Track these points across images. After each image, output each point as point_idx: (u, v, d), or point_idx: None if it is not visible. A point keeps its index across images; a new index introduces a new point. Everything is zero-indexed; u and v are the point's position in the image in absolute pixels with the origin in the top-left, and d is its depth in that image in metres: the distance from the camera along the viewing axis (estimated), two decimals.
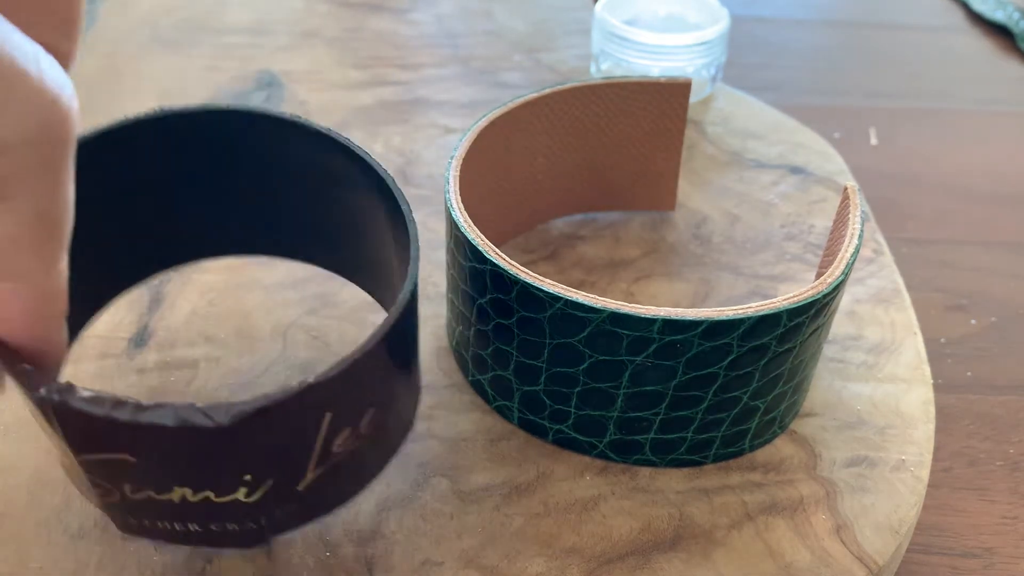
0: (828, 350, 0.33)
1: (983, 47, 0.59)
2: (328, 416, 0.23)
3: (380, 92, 0.47)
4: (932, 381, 0.32)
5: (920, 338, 0.34)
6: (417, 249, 0.25)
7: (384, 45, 0.51)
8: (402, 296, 0.24)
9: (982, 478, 0.32)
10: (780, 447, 0.29)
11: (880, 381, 0.32)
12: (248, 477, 0.22)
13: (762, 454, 0.29)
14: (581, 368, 0.27)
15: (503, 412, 0.30)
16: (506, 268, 0.26)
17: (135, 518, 0.24)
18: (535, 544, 0.26)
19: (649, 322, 0.25)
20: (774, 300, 0.25)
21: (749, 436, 0.28)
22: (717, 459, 0.29)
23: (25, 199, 0.17)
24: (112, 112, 0.45)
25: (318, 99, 0.46)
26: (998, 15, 0.60)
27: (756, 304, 0.25)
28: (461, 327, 0.30)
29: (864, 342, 0.33)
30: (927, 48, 0.59)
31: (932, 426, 0.30)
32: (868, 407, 0.31)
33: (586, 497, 0.28)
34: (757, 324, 0.25)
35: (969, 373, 0.36)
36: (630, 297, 0.35)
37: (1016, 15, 0.60)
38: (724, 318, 0.25)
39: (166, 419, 0.20)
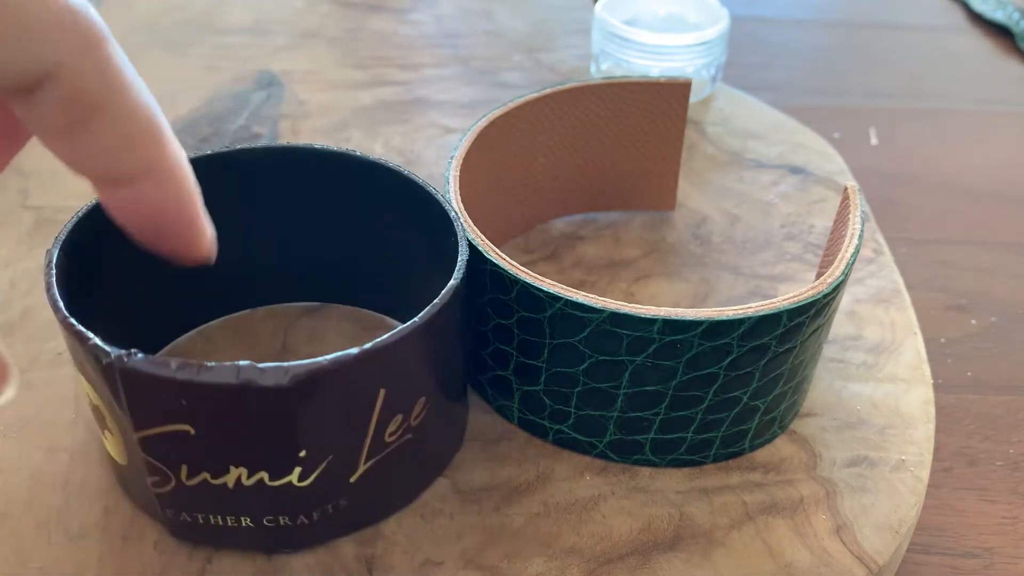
0: (828, 350, 0.33)
1: (983, 47, 0.59)
2: (383, 393, 0.23)
3: (380, 92, 0.46)
4: (932, 381, 0.32)
5: (920, 338, 0.34)
6: (466, 243, 0.26)
7: (384, 45, 0.51)
8: (453, 281, 0.25)
9: (982, 478, 0.32)
10: (780, 447, 0.29)
11: (880, 381, 0.32)
12: (303, 454, 0.23)
13: (762, 454, 0.29)
14: (581, 368, 0.27)
15: (503, 412, 0.30)
16: (506, 268, 0.26)
17: (188, 513, 0.24)
18: (535, 544, 0.26)
19: (649, 322, 0.25)
20: (774, 300, 0.25)
21: (749, 436, 0.28)
22: (717, 459, 0.29)
23: (109, 106, 0.18)
24: None
25: (318, 99, 0.46)
26: (998, 15, 0.60)
27: (756, 304, 0.25)
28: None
29: (864, 342, 0.33)
30: (927, 48, 0.59)
31: (932, 426, 0.30)
32: (868, 407, 0.31)
33: (586, 497, 0.28)
34: (757, 324, 0.25)
35: (969, 373, 0.36)
36: (630, 297, 0.35)
37: (1016, 15, 0.60)
38: (724, 318, 0.25)
39: (229, 377, 0.21)
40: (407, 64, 0.49)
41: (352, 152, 0.29)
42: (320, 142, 0.43)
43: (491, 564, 0.26)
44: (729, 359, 0.26)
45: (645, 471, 0.29)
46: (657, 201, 0.39)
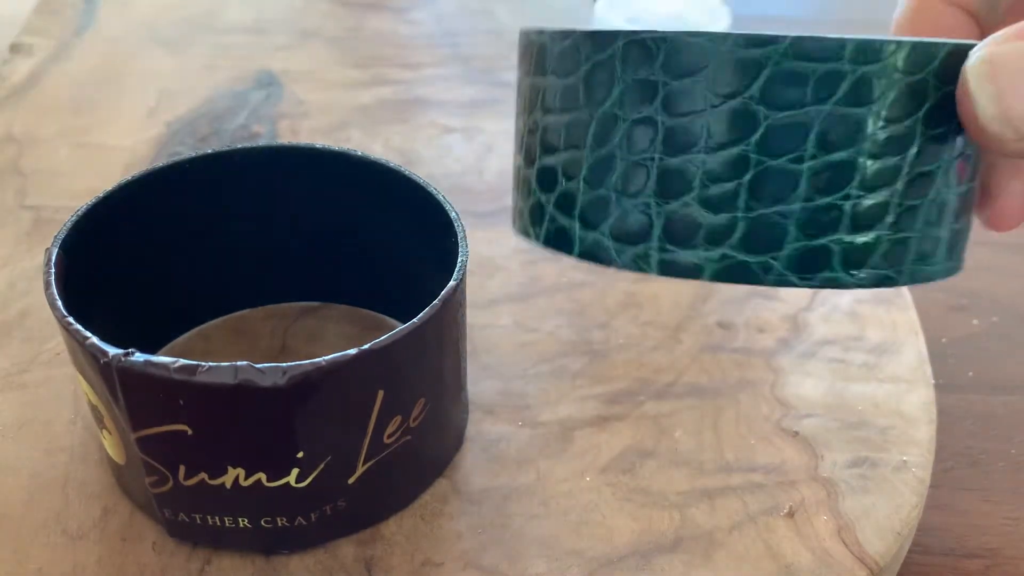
0: (829, 351, 0.33)
1: None
2: (381, 394, 0.23)
3: (380, 92, 0.46)
4: (933, 381, 0.32)
5: (922, 338, 0.33)
6: (466, 243, 0.26)
7: (384, 45, 0.51)
8: (453, 281, 0.25)
9: (984, 479, 0.32)
10: (781, 447, 0.29)
11: (881, 381, 0.32)
12: (301, 455, 0.23)
13: (763, 455, 0.29)
14: (753, 140, 0.20)
15: (637, 261, 0.22)
16: (638, 30, 0.20)
17: (186, 514, 0.24)
18: (535, 545, 0.26)
19: (839, 47, 0.19)
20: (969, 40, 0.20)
21: (943, 245, 0.22)
22: (911, 279, 0.22)
23: None
24: (111, 111, 0.45)
25: (317, 99, 0.46)
26: None
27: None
28: (564, 152, 0.22)
29: (865, 342, 0.33)
30: None
31: (934, 427, 0.30)
32: (870, 407, 0.31)
33: (586, 498, 0.28)
34: (948, 57, 0.20)
35: (971, 373, 0.36)
36: (632, 297, 0.35)
37: None
38: (925, 40, 0.19)
39: (226, 377, 0.21)
40: (407, 63, 0.49)
41: (352, 152, 0.29)
42: (320, 142, 0.43)
43: (491, 565, 0.26)
44: (926, 106, 0.20)
45: (645, 471, 0.29)
46: None
